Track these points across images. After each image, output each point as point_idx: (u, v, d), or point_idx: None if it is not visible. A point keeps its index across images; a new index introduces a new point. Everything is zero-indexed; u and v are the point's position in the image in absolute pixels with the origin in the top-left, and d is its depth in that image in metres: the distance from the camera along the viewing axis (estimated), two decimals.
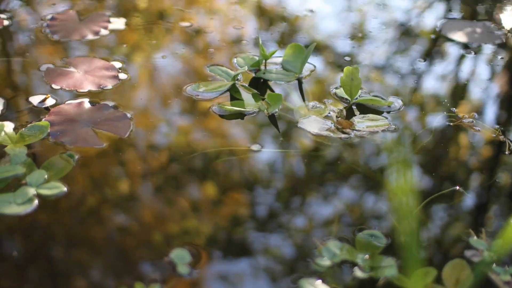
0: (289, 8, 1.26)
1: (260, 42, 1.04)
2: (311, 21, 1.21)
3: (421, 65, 1.11)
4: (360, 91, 0.99)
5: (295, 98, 1.00)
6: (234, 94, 0.99)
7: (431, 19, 1.25)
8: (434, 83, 1.07)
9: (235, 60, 1.07)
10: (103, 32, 1.14)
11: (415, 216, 0.79)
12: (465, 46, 1.17)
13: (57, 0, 1.22)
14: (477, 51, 1.16)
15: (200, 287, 0.72)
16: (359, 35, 1.18)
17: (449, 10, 1.29)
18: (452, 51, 1.16)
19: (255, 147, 0.90)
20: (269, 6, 1.28)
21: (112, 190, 0.84)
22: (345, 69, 0.96)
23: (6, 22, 1.15)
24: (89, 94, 0.98)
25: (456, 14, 1.28)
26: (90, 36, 1.12)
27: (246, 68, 1.01)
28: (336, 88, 1.02)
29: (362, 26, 1.22)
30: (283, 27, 1.20)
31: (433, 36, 1.20)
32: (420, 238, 0.77)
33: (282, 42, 1.16)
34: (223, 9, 1.25)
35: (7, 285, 0.71)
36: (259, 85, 1.03)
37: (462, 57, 1.15)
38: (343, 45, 1.15)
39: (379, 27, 1.21)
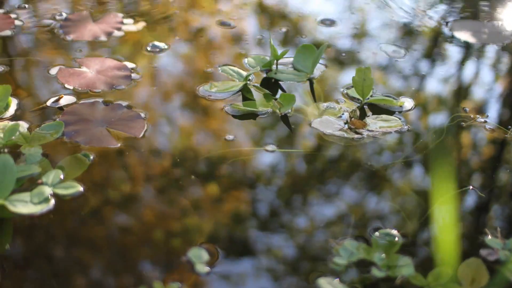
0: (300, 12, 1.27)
1: (271, 42, 1.04)
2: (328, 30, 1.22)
3: (431, 65, 1.12)
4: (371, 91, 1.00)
5: (307, 98, 1.01)
6: (246, 94, 1.00)
7: (440, 19, 1.26)
8: (445, 83, 1.08)
9: (246, 61, 1.08)
10: (116, 33, 1.14)
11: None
12: (474, 46, 1.18)
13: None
14: (486, 51, 1.16)
15: (218, 286, 0.73)
16: (365, 34, 1.19)
17: (457, 10, 1.30)
18: (461, 51, 1.17)
19: (269, 147, 0.91)
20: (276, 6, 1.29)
21: (127, 190, 0.84)
22: (357, 69, 0.97)
23: (17, 22, 1.16)
24: (102, 94, 0.99)
25: (464, 14, 1.29)
26: (103, 37, 1.13)
27: (258, 68, 1.01)
28: (347, 88, 1.03)
29: (363, 25, 1.23)
30: (286, 27, 1.21)
31: (442, 36, 1.21)
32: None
33: (286, 42, 1.16)
34: (226, 10, 1.26)
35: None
36: (271, 85, 1.03)
37: (471, 58, 1.16)
38: (351, 44, 1.16)
39: (386, 27, 1.22)
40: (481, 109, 1.01)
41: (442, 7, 1.30)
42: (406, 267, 0.74)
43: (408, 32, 1.21)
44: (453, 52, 1.16)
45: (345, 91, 1.02)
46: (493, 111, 1.01)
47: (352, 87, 1.00)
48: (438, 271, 0.74)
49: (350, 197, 0.85)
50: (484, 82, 1.09)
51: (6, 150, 0.86)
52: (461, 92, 1.07)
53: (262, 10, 1.28)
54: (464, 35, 1.21)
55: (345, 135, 0.92)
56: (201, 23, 1.20)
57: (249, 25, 1.21)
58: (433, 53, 1.16)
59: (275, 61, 1.04)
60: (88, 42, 1.12)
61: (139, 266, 0.74)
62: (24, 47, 1.11)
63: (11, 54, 1.09)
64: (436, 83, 1.08)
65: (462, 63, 1.14)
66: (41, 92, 1.00)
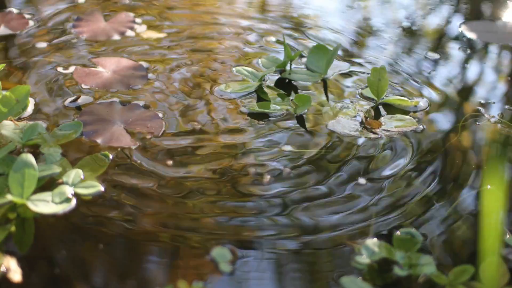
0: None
1: (285, 43, 1.05)
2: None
3: (442, 65, 1.13)
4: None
5: (322, 99, 1.01)
6: (261, 94, 1.00)
7: (453, 19, 1.27)
8: (458, 83, 1.09)
9: (259, 61, 1.09)
10: (129, 32, 1.15)
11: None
12: (486, 46, 1.19)
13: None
14: (499, 51, 1.18)
15: (241, 285, 0.73)
16: (379, 35, 1.20)
17: (469, 10, 1.31)
18: (474, 51, 1.18)
19: (286, 147, 0.92)
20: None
21: (147, 190, 0.85)
22: (372, 69, 0.98)
23: (31, 23, 1.16)
24: (118, 93, 0.99)
25: (477, 14, 1.30)
26: (116, 37, 1.13)
27: (273, 68, 1.02)
28: (362, 88, 1.04)
29: (370, 25, 1.24)
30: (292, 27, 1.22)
31: (454, 36, 1.22)
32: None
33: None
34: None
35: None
36: (285, 86, 1.04)
37: (483, 57, 1.16)
38: (368, 45, 1.17)
39: (397, 27, 1.23)
40: (494, 108, 1.03)
41: (455, 8, 1.32)
42: (427, 266, 0.75)
43: (416, 32, 1.23)
44: (467, 52, 1.18)
45: (360, 91, 1.03)
46: (507, 111, 1.03)
47: (367, 87, 1.01)
48: (459, 270, 0.75)
49: (370, 195, 0.85)
50: (496, 81, 1.11)
51: (25, 150, 0.87)
52: (475, 91, 1.08)
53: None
54: (475, 35, 1.22)
55: (361, 135, 0.93)
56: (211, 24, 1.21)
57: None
58: (445, 53, 1.17)
59: (289, 62, 1.05)
60: (102, 41, 1.12)
61: (162, 265, 0.75)
62: (38, 47, 1.11)
63: (25, 54, 1.09)
64: (449, 83, 1.09)
65: (476, 63, 1.15)
66: (57, 92, 1.00)
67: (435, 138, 0.95)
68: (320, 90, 1.03)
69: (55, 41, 1.12)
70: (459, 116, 1.00)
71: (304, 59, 1.09)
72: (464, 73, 1.12)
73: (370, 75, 0.98)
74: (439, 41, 1.21)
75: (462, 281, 0.74)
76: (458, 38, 1.21)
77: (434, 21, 1.27)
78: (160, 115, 0.95)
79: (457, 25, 1.25)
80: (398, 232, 0.79)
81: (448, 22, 1.27)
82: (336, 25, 1.23)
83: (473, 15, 1.30)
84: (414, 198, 0.84)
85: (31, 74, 1.05)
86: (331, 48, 1.05)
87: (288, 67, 1.05)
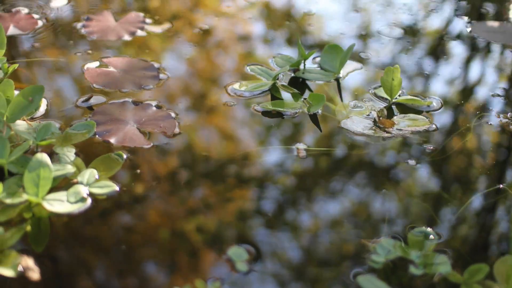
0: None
1: (300, 42, 1.05)
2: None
3: (452, 65, 1.13)
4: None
5: (336, 98, 1.01)
6: (274, 93, 1.00)
7: (461, 21, 1.27)
8: (468, 83, 1.09)
9: (272, 60, 1.09)
10: (140, 32, 1.15)
11: None
12: (495, 47, 1.19)
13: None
14: (506, 51, 1.18)
15: (256, 284, 0.73)
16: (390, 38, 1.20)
17: (478, 11, 1.31)
18: (482, 52, 1.18)
19: (300, 145, 0.92)
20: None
21: (162, 190, 0.85)
22: (385, 69, 0.98)
23: (40, 23, 1.16)
24: (130, 93, 0.99)
25: (484, 15, 1.30)
26: (127, 37, 1.13)
27: (287, 67, 1.02)
28: (375, 88, 1.04)
29: (375, 27, 1.24)
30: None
31: (461, 37, 1.22)
32: None
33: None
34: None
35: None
36: (298, 85, 1.04)
37: (492, 58, 1.17)
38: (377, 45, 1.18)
39: (406, 29, 1.23)
40: (504, 108, 1.03)
41: (463, 9, 1.32)
42: (443, 265, 0.75)
43: (432, 34, 1.23)
44: (475, 53, 1.18)
45: (373, 91, 1.03)
46: None
47: (380, 86, 1.01)
48: (474, 269, 0.75)
49: (386, 195, 0.86)
50: (508, 83, 1.11)
51: (39, 149, 0.87)
52: (485, 91, 1.08)
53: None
54: (483, 36, 1.22)
55: (375, 134, 0.94)
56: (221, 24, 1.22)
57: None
58: (454, 55, 1.17)
59: (303, 61, 1.06)
60: (112, 41, 1.12)
61: (179, 265, 0.75)
62: (49, 47, 1.11)
63: (36, 54, 1.09)
64: (460, 84, 1.09)
65: (485, 63, 1.15)
66: (69, 92, 1.00)
67: (447, 137, 0.95)
68: (334, 89, 1.04)
69: (65, 40, 1.13)
70: (470, 116, 1.01)
71: (317, 59, 1.10)
72: (474, 73, 1.13)
73: (383, 74, 0.98)
74: (447, 41, 1.21)
75: (477, 280, 0.75)
76: (466, 38, 1.22)
77: (439, 22, 1.27)
78: (173, 114, 0.96)
79: (465, 25, 1.25)
80: (412, 232, 0.80)
81: (454, 22, 1.27)
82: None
83: (480, 16, 1.31)
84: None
85: (41, 74, 1.05)
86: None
87: (301, 66, 1.06)
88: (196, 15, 1.23)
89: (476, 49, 1.18)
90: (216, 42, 1.15)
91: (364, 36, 1.19)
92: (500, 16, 1.30)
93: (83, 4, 1.23)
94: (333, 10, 1.28)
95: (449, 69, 1.11)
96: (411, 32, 1.21)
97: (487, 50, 1.18)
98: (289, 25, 1.22)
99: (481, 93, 1.07)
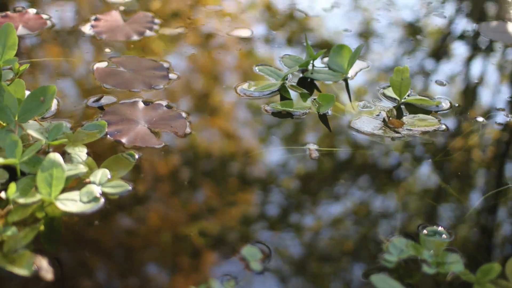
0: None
1: (308, 43, 1.05)
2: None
3: (463, 65, 1.14)
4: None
5: (344, 98, 1.02)
6: (283, 93, 1.01)
7: (469, 22, 1.28)
8: (478, 83, 1.09)
9: (280, 61, 1.09)
10: (148, 33, 1.15)
11: None
12: (505, 47, 1.19)
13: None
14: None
15: (271, 283, 0.74)
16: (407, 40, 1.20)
17: (486, 12, 1.32)
18: (491, 52, 1.18)
19: (311, 146, 0.92)
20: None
21: (176, 189, 0.85)
22: (395, 69, 0.98)
23: (49, 23, 1.17)
24: (141, 93, 1.00)
25: (493, 15, 1.31)
26: (135, 37, 1.13)
27: (297, 68, 1.02)
28: (384, 88, 1.04)
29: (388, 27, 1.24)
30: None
31: (471, 37, 1.23)
32: None
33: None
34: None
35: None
36: (307, 85, 1.04)
37: (502, 58, 1.17)
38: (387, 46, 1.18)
39: (417, 30, 1.24)
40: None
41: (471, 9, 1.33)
42: (455, 264, 0.76)
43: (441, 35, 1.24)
44: (484, 53, 1.18)
45: (381, 91, 1.04)
46: None
47: (389, 86, 1.02)
48: (486, 268, 0.75)
49: (398, 194, 0.86)
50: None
51: (50, 149, 0.87)
52: (493, 91, 1.08)
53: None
54: (490, 36, 1.23)
55: (384, 134, 0.94)
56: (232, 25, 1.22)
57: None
58: (463, 55, 1.18)
59: (311, 61, 1.06)
60: (121, 41, 1.12)
61: (194, 264, 0.75)
62: (58, 47, 1.11)
63: (45, 54, 1.09)
64: (469, 83, 1.10)
65: (495, 64, 1.15)
66: (79, 92, 1.01)
67: (456, 137, 0.96)
68: (343, 89, 1.04)
69: (74, 41, 1.13)
70: (479, 116, 1.01)
71: (325, 59, 1.10)
72: (482, 73, 1.13)
73: (393, 75, 0.98)
74: (455, 42, 1.21)
75: (489, 279, 0.75)
76: (474, 38, 1.22)
77: (449, 23, 1.27)
78: (184, 114, 0.96)
79: (473, 26, 1.26)
80: (424, 231, 0.80)
81: (462, 23, 1.27)
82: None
83: (488, 16, 1.31)
84: None
85: (50, 74, 1.06)
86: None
87: (310, 67, 1.06)
88: (200, 15, 1.23)
89: (483, 49, 1.20)
90: (222, 42, 1.16)
91: (367, 36, 1.20)
92: (506, 16, 1.31)
93: (90, 4, 1.24)
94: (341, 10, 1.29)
95: (456, 69, 1.12)
96: (415, 32, 1.22)
97: (493, 49, 1.19)
98: (292, 25, 1.23)
99: (490, 93, 1.08)
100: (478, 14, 1.31)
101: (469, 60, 1.15)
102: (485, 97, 1.06)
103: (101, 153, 0.88)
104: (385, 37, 1.19)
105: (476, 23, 1.26)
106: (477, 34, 1.23)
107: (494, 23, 1.27)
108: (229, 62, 1.11)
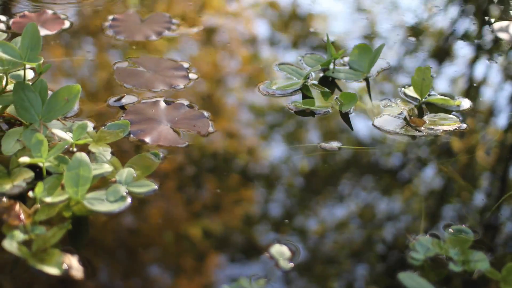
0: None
1: (330, 42, 1.06)
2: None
3: (478, 65, 1.14)
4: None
5: (366, 97, 1.02)
6: (305, 92, 1.01)
7: (483, 21, 1.29)
8: (497, 83, 1.10)
9: (301, 59, 1.10)
10: (166, 33, 1.15)
11: None
12: None
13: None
14: None
15: (300, 281, 0.74)
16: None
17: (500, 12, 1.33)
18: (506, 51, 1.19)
19: (335, 144, 0.93)
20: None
21: (201, 188, 0.86)
22: (416, 68, 0.99)
23: (67, 23, 1.17)
24: (162, 93, 1.00)
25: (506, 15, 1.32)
26: (154, 37, 1.14)
27: (319, 67, 1.03)
28: (404, 87, 1.05)
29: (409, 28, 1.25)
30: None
31: (486, 37, 1.23)
32: None
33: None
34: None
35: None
36: (328, 84, 1.05)
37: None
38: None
39: (428, 31, 1.24)
40: None
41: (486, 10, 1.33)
42: (481, 262, 0.76)
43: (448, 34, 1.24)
44: (503, 54, 1.19)
45: (402, 90, 1.04)
46: None
47: (410, 86, 1.03)
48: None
49: (424, 193, 0.86)
50: None
51: (75, 149, 0.88)
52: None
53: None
54: (507, 36, 1.23)
55: (407, 133, 0.94)
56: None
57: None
58: (480, 56, 1.19)
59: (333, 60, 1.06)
60: (139, 41, 1.13)
61: (223, 263, 0.76)
62: (76, 47, 1.12)
63: (64, 54, 1.10)
64: (488, 83, 1.10)
65: (500, 63, 1.16)
66: (100, 91, 1.01)
67: (478, 136, 0.96)
68: (364, 89, 1.05)
69: (93, 41, 1.13)
70: (500, 115, 1.02)
71: (346, 58, 1.11)
72: (501, 73, 1.14)
73: (414, 74, 0.99)
74: (472, 42, 1.22)
75: None
76: (490, 38, 1.23)
77: (464, 24, 1.28)
78: (206, 114, 0.96)
79: (489, 27, 1.26)
80: (450, 229, 0.81)
81: (478, 23, 1.28)
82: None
83: (503, 16, 1.32)
84: None
85: (70, 74, 1.06)
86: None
87: (331, 66, 1.07)
88: (215, 16, 1.24)
89: (501, 49, 1.20)
90: (243, 42, 1.16)
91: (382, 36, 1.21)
92: None
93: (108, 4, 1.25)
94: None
95: (474, 69, 1.13)
96: (428, 34, 1.23)
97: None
98: (305, 25, 1.24)
99: (506, 92, 1.09)
100: (495, 15, 1.32)
101: (487, 60, 1.16)
102: (505, 96, 1.07)
103: (125, 153, 0.89)
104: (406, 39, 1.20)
105: (494, 23, 1.27)
106: (494, 33, 1.24)
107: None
108: (248, 61, 1.11)
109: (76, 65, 1.07)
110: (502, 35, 1.22)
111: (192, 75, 1.04)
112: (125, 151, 0.89)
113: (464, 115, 0.99)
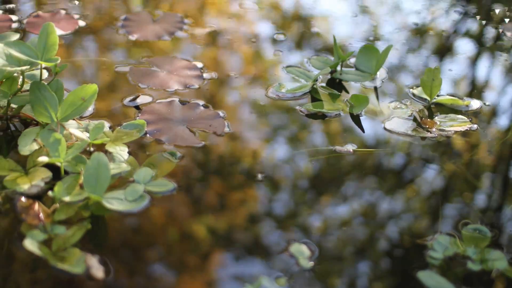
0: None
1: (336, 43, 1.06)
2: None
3: (488, 66, 1.15)
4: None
5: (373, 98, 1.03)
6: (314, 95, 1.02)
7: (491, 22, 1.30)
8: (504, 84, 1.12)
9: (307, 61, 1.11)
10: (179, 33, 1.16)
11: None
12: None
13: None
14: None
15: (320, 280, 0.75)
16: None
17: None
18: None
19: (349, 146, 0.93)
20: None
21: (216, 188, 0.86)
22: (426, 69, 1.00)
23: (81, 23, 1.17)
24: (176, 93, 1.00)
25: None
26: (166, 37, 1.14)
27: (328, 69, 1.03)
28: (412, 88, 1.06)
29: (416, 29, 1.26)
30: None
31: (495, 37, 1.25)
32: None
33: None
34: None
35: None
36: (335, 86, 1.05)
37: None
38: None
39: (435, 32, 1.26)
40: None
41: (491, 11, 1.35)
42: (499, 261, 0.77)
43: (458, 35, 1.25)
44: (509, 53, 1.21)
45: (411, 91, 1.05)
46: None
47: (418, 86, 1.03)
48: None
49: (439, 193, 0.87)
50: None
51: (92, 148, 0.88)
52: None
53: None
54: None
55: (418, 134, 0.95)
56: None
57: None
58: (489, 55, 1.20)
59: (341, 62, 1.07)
60: (152, 41, 1.13)
61: (243, 262, 0.76)
62: (90, 47, 1.12)
63: (78, 54, 1.10)
64: (496, 83, 1.11)
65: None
66: (115, 91, 1.01)
67: (489, 136, 0.98)
68: (371, 90, 1.05)
69: (105, 40, 1.13)
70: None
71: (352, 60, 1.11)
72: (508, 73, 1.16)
73: (423, 75, 1.00)
74: (481, 43, 1.23)
75: None
76: (500, 39, 1.24)
77: (472, 25, 1.29)
78: (221, 114, 0.97)
79: (498, 27, 1.27)
80: (466, 228, 0.81)
81: (486, 24, 1.29)
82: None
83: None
84: None
85: (84, 74, 1.06)
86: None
87: (338, 68, 1.07)
88: (227, 18, 1.24)
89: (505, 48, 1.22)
90: (255, 44, 1.17)
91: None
92: None
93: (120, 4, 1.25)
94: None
95: (483, 69, 1.14)
96: (435, 34, 1.24)
97: None
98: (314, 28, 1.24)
99: None
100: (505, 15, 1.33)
101: (497, 61, 1.17)
102: None
103: (141, 152, 0.89)
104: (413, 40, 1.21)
105: (503, 23, 1.28)
106: (503, 33, 1.25)
107: None
108: (259, 62, 1.12)
109: (89, 65, 1.08)
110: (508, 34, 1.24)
111: (206, 75, 1.05)
112: (141, 151, 0.89)
113: (475, 114, 1.01)
